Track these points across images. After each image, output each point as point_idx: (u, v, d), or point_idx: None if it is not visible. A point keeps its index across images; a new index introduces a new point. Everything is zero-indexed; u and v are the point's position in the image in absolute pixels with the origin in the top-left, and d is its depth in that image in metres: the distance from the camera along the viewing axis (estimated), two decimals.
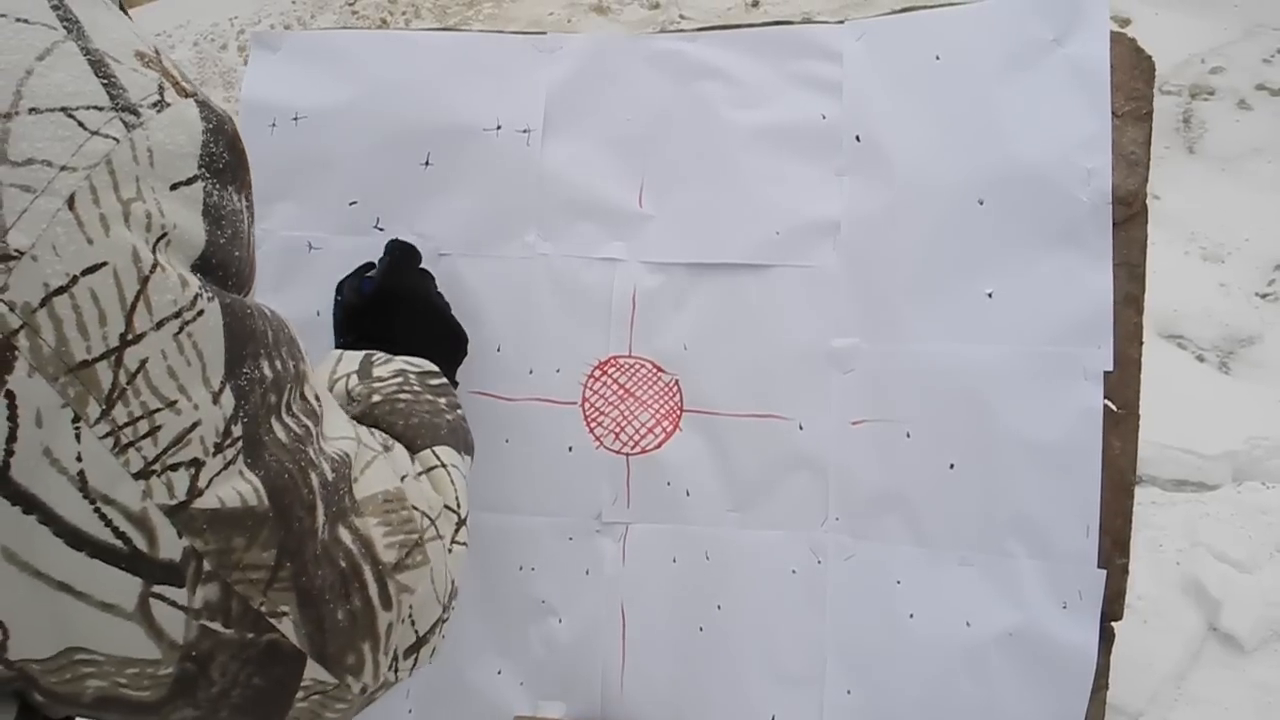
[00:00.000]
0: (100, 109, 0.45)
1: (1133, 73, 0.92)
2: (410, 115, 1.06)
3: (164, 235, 0.46)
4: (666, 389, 1.03)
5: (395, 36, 1.11)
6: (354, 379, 0.80)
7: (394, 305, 0.93)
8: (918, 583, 0.95)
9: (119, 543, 0.45)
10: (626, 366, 1.03)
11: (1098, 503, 0.90)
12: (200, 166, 0.49)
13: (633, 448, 1.03)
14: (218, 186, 0.50)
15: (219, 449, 0.48)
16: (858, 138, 0.99)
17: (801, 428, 0.99)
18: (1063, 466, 0.90)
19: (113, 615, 0.46)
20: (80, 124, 0.44)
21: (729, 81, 1.03)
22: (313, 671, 0.53)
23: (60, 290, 0.42)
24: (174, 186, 0.47)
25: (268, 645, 0.51)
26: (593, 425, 1.03)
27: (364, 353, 0.84)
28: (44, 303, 0.42)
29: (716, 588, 1.01)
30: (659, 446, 1.02)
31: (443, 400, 0.82)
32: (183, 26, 2.42)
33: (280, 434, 0.52)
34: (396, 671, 0.60)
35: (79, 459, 0.43)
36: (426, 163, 1.06)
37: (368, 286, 0.94)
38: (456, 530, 0.71)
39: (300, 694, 0.54)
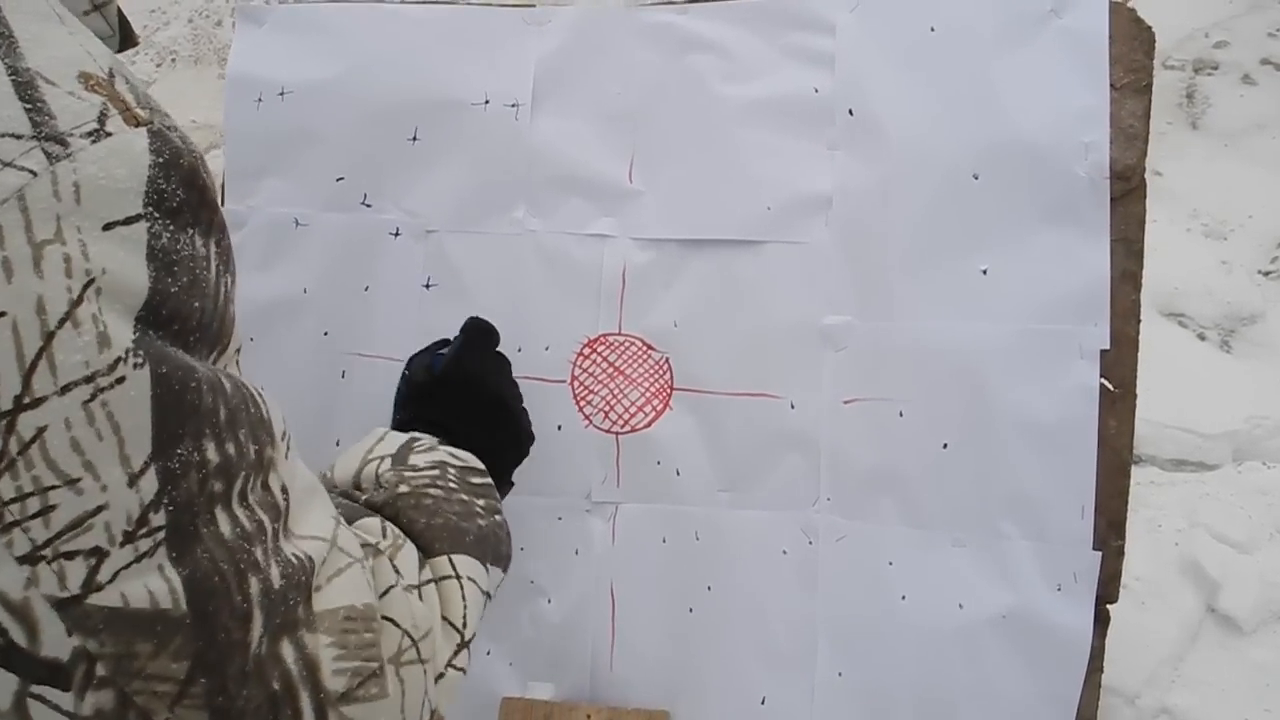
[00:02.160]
0: (18, 137, 0.40)
1: (1132, 44, 0.91)
2: (397, 90, 1.05)
3: (90, 281, 0.40)
4: (656, 367, 1.01)
5: (382, 9, 1.09)
6: (387, 463, 0.74)
7: (458, 390, 0.87)
8: (910, 564, 0.94)
9: None
10: (616, 344, 1.02)
11: (1093, 483, 0.88)
12: (146, 204, 0.43)
13: (622, 426, 1.01)
14: (169, 228, 0.44)
15: (129, 538, 0.42)
16: (850, 111, 0.97)
17: (793, 406, 0.98)
18: (1058, 446, 0.89)
19: None
20: None
21: (720, 54, 1.01)
22: None
23: None
24: (108, 226, 0.41)
25: None
26: (582, 404, 1.02)
27: (408, 436, 0.79)
28: None
29: (707, 568, 1.00)
30: (649, 425, 1.01)
31: (480, 502, 0.75)
32: (177, 3, 2.40)
33: (224, 527, 0.46)
34: None
35: None
36: (414, 138, 1.05)
37: (437, 365, 0.89)
38: (456, 653, 0.64)
39: None
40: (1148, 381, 0.90)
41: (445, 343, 0.93)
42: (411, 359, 0.91)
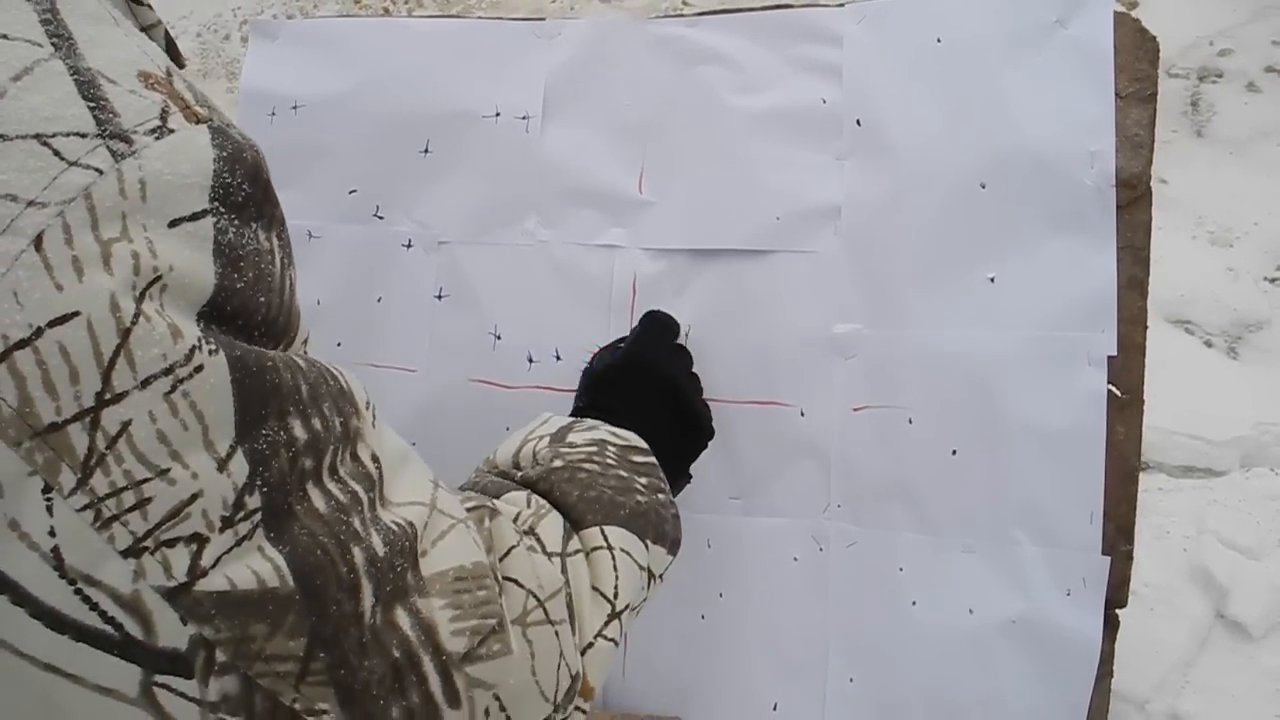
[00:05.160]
0: (83, 136, 0.39)
1: (1136, 53, 0.91)
2: (409, 103, 1.06)
3: (157, 278, 0.40)
4: None
5: (393, 23, 1.10)
6: (545, 442, 0.74)
7: (634, 378, 0.88)
8: (920, 570, 0.95)
9: (108, 628, 0.40)
10: None
11: (1101, 489, 0.89)
12: (212, 200, 0.43)
13: None
14: (235, 223, 0.44)
15: (228, 523, 0.41)
16: (859, 122, 0.98)
17: (803, 414, 0.99)
18: (1066, 452, 0.90)
19: (114, 700, 0.41)
20: (56, 153, 0.39)
21: (729, 66, 1.02)
22: None
23: (22, 344, 0.37)
24: (174, 223, 0.41)
25: None
26: None
27: (572, 418, 0.79)
28: (2, 357, 0.36)
29: (718, 575, 1.00)
30: None
31: (641, 480, 0.73)
32: (185, 18, 2.41)
33: (318, 503, 0.46)
34: None
35: (52, 534, 0.38)
36: (426, 150, 1.06)
37: (616, 355, 0.91)
38: (606, 623, 0.63)
39: None
40: (1155, 389, 0.91)
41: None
42: (599, 351, 0.95)
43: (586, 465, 0.70)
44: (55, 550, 0.38)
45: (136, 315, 0.39)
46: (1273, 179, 1.80)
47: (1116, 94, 0.90)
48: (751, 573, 1.00)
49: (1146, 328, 0.90)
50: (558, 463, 0.70)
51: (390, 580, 0.47)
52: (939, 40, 0.96)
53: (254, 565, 0.42)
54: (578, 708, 0.59)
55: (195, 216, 0.42)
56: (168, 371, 0.40)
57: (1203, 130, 1.89)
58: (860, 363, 0.97)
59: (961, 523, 0.93)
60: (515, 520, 0.62)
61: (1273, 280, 1.72)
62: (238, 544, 0.42)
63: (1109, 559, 0.88)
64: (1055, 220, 0.91)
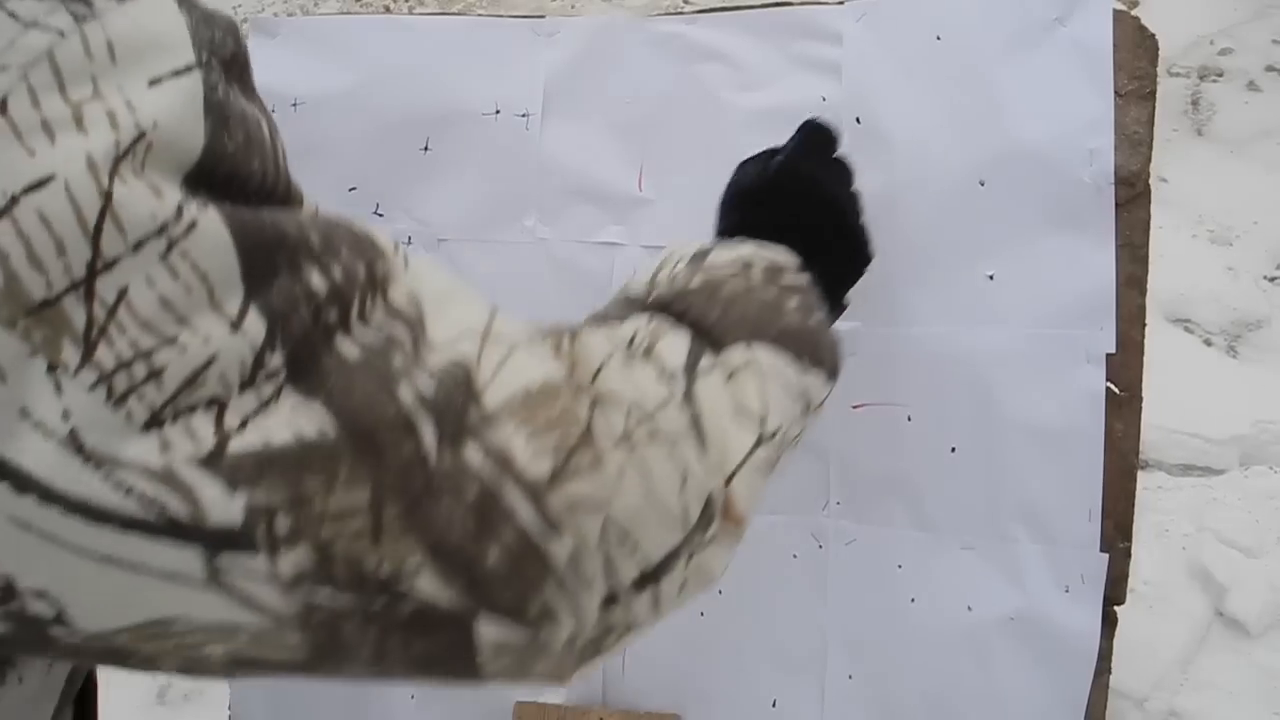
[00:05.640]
0: None
1: (1136, 51, 0.91)
2: (409, 100, 1.06)
3: (140, 136, 0.36)
4: None
5: (393, 21, 1.10)
6: (683, 264, 0.65)
7: (790, 195, 0.78)
8: (919, 567, 0.95)
9: (149, 512, 0.36)
10: None
11: (1100, 486, 0.89)
12: (197, 53, 0.39)
13: None
14: (224, 79, 0.40)
15: (249, 383, 0.38)
16: (858, 119, 0.98)
17: None
18: (1064, 450, 0.90)
19: (184, 586, 0.37)
20: (11, 14, 0.35)
21: (729, 64, 1.02)
22: (490, 630, 0.42)
23: None
24: (155, 81, 0.37)
25: (414, 613, 0.40)
26: None
27: (715, 239, 0.71)
28: None
29: None
30: None
31: (792, 300, 0.64)
32: None
33: (349, 352, 0.40)
34: (629, 610, 0.48)
35: (65, 416, 0.35)
36: (426, 148, 1.06)
37: (768, 168, 0.80)
38: (755, 446, 0.55)
39: (487, 653, 0.42)
40: (1154, 387, 0.91)
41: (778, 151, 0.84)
42: (742, 163, 0.85)
43: (728, 285, 0.62)
44: (73, 434, 0.35)
45: (114, 174, 0.36)
46: (1273, 178, 1.80)
47: (1116, 92, 0.90)
48: (750, 570, 1.00)
49: (1145, 325, 0.90)
50: (694, 284, 0.62)
51: (450, 419, 0.42)
52: (938, 38, 0.96)
53: (290, 419, 0.38)
54: (718, 535, 0.53)
55: (180, 72, 0.38)
56: (160, 231, 0.36)
57: (1203, 129, 1.89)
58: (859, 360, 0.97)
59: (960, 520, 0.94)
60: (632, 340, 0.55)
61: (1272, 279, 1.72)
62: (263, 405, 0.38)
63: (1107, 556, 0.89)
64: (1054, 217, 0.91)
